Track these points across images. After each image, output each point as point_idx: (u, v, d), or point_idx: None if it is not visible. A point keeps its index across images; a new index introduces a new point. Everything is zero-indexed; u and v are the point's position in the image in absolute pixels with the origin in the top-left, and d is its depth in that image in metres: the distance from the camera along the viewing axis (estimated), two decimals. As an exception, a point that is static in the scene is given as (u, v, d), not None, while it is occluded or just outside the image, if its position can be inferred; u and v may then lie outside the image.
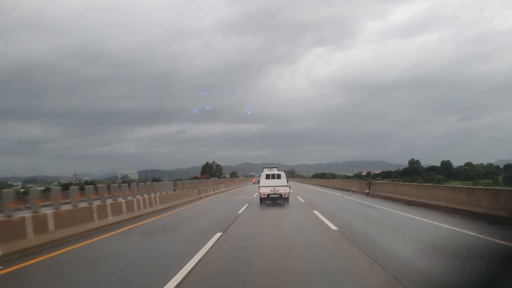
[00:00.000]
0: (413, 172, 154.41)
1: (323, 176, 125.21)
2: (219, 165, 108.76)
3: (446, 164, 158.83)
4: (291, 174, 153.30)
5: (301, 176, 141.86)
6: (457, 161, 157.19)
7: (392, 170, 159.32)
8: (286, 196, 18.66)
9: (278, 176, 19.46)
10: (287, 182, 19.60)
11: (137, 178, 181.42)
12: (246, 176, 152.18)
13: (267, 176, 19.48)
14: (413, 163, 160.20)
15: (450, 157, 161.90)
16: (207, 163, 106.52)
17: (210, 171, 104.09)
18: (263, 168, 20.90)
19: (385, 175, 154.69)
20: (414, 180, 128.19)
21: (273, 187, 18.63)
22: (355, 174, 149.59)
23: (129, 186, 15.93)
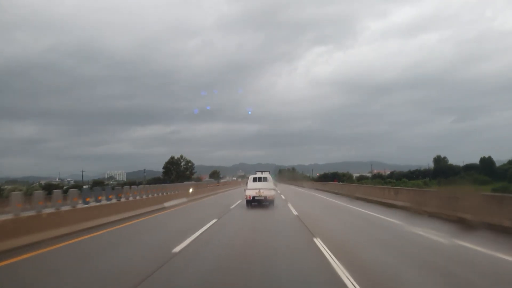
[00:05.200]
0: (448, 172, 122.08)
1: (336, 178, 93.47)
2: (190, 162, 78.56)
3: (487, 162, 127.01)
4: (292, 175, 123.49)
5: (305, 178, 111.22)
6: (456, 161, 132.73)
7: (395, 170, 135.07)
8: (271, 198, 19.62)
9: (265, 179, 20.29)
10: (274, 185, 21.18)
11: (124, 179, 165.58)
12: (237, 179, 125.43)
13: (254, 179, 20.30)
14: (440, 161, 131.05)
15: (448, 157, 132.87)
16: (172, 158, 76.26)
17: (177, 170, 73.92)
18: (256, 171, 21.46)
19: (411, 175, 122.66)
20: (452, 182, 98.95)
21: (258, 190, 19.52)
22: (374, 174, 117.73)
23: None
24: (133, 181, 73.61)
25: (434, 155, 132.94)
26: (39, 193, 11.93)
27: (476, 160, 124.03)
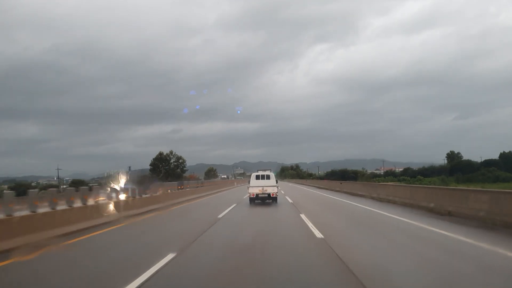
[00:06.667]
0: (465, 168, 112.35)
1: (349, 177, 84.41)
2: (181, 158, 68.44)
3: (507, 157, 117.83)
4: (297, 173, 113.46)
5: (310, 176, 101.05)
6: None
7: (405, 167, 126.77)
8: (274, 195, 19.80)
9: (268, 177, 20.43)
10: (276, 182, 20.68)
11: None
12: (228, 178, 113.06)
13: (257, 177, 20.46)
14: (453, 157, 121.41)
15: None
16: (161, 154, 66.15)
17: (166, 168, 63.84)
18: (258, 170, 21.61)
19: (427, 172, 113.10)
20: (472, 179, 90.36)
21: (261, 187, 19.83)
22: (386, 171, 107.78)
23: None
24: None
25: (437, 152, 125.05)
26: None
27: (482, 156, 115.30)
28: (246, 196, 25.93)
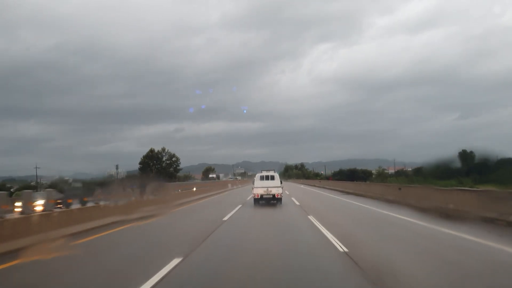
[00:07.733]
0: (483, 168, 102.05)
1: (355, 177, 77.38)
2: (174, 156, 61.90)
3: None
4: (302, 173, 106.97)
5: (317, 176, 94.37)
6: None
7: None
8: (278, 196, 20.04)
9: (272, 178, 20.47)
10: (281, 183, 20.63)
11: (124, 177, 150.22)
12: (219, 178, 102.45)
13: (261, 178, 20.50)
14: (466, 156, 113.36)
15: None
16: (152, 151, 59.75)
17: (158, 166, 57.39)
18: (261, 170, 21.63)
19: (439, 173, 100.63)
20: (491, 180, 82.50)
21: (266, 188, 19.92)
22: (397, 171, 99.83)
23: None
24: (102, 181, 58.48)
25: (440, 151, 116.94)
26: None
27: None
28: (236, 211, 17.79)
